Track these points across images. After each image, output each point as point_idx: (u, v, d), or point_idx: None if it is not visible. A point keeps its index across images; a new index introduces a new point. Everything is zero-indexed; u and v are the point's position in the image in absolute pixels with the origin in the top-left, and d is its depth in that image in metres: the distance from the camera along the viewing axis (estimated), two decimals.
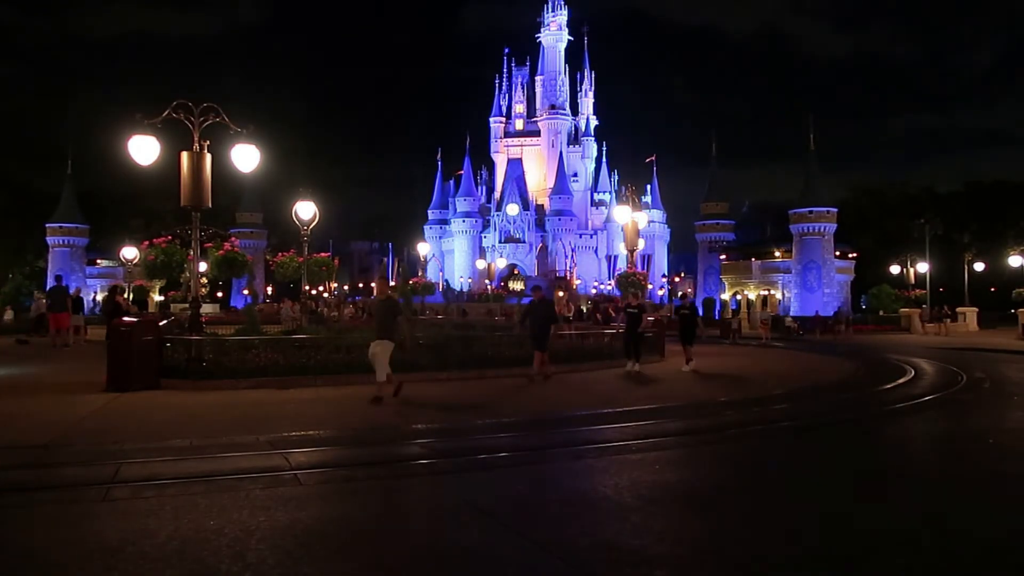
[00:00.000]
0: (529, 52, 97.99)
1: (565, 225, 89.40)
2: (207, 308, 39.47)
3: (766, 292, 60.91)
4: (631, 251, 28.32)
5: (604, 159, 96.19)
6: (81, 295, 30.76)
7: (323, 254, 28.84)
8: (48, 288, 28.38)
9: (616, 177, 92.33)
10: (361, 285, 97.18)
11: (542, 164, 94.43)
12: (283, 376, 13.47)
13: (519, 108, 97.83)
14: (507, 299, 70.09)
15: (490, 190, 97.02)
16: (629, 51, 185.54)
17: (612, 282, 70.14)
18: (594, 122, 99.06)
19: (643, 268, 64.03)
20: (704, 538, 5.35)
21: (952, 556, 5.02)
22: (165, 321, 15.93)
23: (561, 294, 54.12)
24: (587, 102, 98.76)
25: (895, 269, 55.57)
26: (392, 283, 52.28)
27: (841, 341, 37.05)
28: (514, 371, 15.91)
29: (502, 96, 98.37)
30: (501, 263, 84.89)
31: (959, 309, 50.06)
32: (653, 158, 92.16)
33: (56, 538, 5.15)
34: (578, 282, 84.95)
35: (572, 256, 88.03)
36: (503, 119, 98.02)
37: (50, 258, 60.87)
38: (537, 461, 7.92)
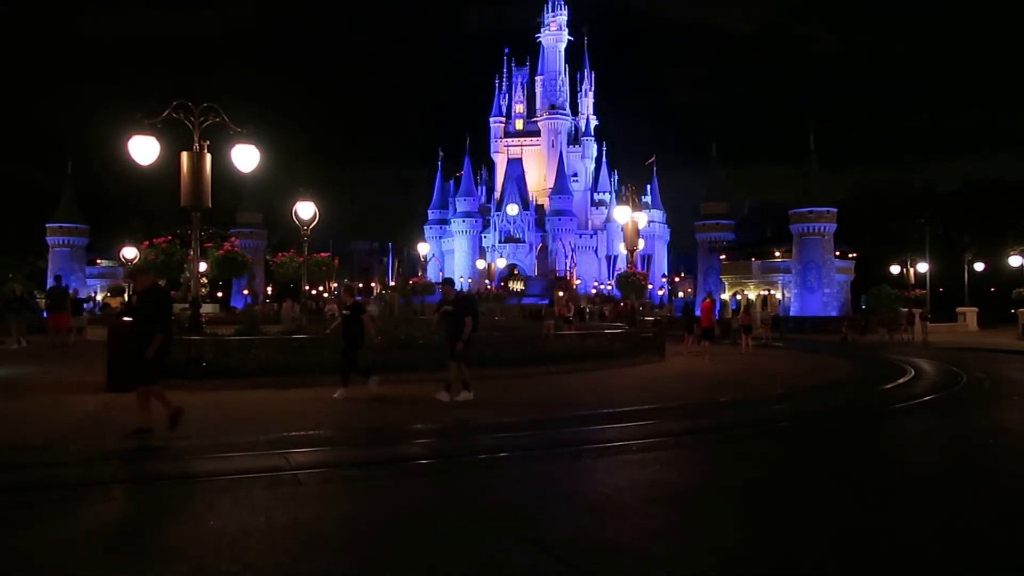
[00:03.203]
0: (529, 52, 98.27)
1: (565, 225, 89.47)
2: (207, 308, 39.47)
3: (766, 292, 60.89)
4: (631, 251, 28.33)
5: (604, 159, 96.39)
6: (80, 295, 30.76)
7: (323, 254, 28.86)
8: (48, 288, 28.43)
9: (616, 177, 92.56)
10: (361, 285, 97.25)
11: (542, 164, 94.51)
12: (283, 376, 13.47)
13: (519, 108, 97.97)
14: (507, 299, 70.15)
15: (490, 190, 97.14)
16: (629, 51, 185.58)
17: (612, 282, 70.23)
18: (594, 122, 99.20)
19: (643, 268, 64.17)
20: (704, 538, 5.35)
21: (953, 555, 5.02)
22: None
23: (561, 294, 54.15)
24: (587, 102, 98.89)
25: (895, 269, 55.51)
26: (393, 283, 51.65)
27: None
28: (514, 372, 15.93)
29: (502, 96, 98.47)
30: (501, 263, 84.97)
31: (959, 309, 50.01)
32: (654, 159, 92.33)
33: (56, 538, 5.15)
34: (578, 282, 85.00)
35: (572, 256, 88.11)
36: (503, 119, 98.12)
37: (50, 258, 60.84)
38: (537, 461, 7.92)
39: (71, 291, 27.26)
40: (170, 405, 8.55)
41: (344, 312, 12.71)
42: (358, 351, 12.32)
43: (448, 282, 13.69)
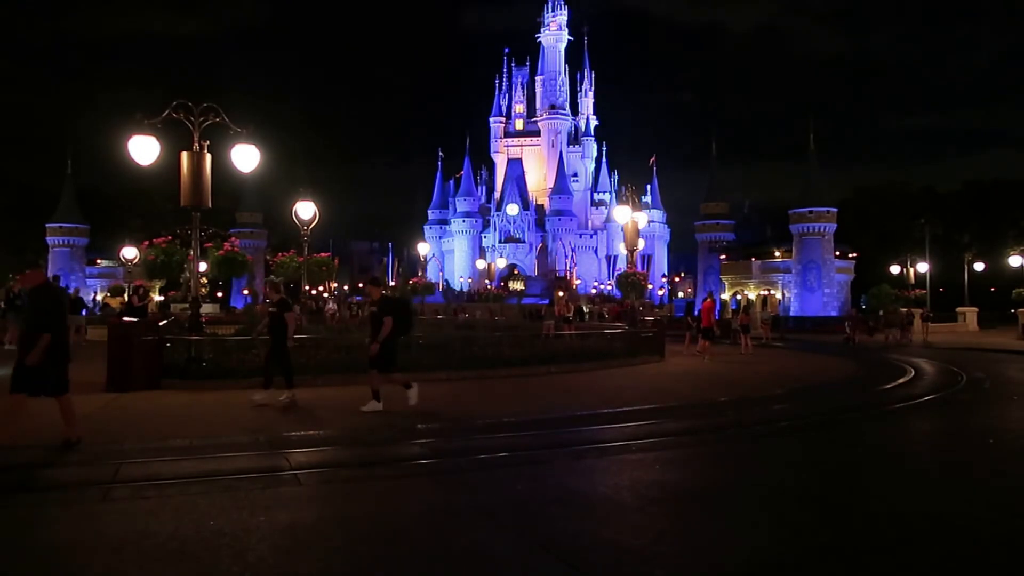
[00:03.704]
0: (529, 52, 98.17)
1: (565, 225, 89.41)
2: (207, 308, 39.46)
3: (766, 292, 60.88)
4: (631, 251, 28.32)
5: (604, 159, 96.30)
6: (80, 295, 30.76)
7: (323, 254, 28.82)
8: None
9: (616, 177, 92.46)
10: (361, 285, 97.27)
11: (542, 164, 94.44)
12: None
13: (519, 108, 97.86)
14: (507, 299, 70.14)
15: (490, 190, 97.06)
16: (629, 51, 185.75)
17: (612, 282, 70.22)
18: (594, 122, 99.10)
19: (643, 268, 64.11)
20: (704, 538, 5.35)
21: (953, 554, 5.02)
22: (165, 321, 15.92)
23: (561, 294, 54.13)
24: (587, 102, 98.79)
25: (895, 269, 55.54)
26: (392, 283, 51.67)
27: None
28: (514, 371, 15.94)
29: (502, 96, 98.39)
30: (501, 263, 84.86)
31: (959, 309, 49.98)
32: (654, 159, 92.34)
33: (56, 538, 5.15)
34: (578, 282, 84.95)
35: (572, 256, 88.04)
36: (503, 119, 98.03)
37: (50, 258, 60.83)
38: (537, 461, 7.92)
39: (71, 291, 27.24)
40: (11, 424, 7.55)
41: (271, 310, 11.52)
42: (286, 352, 11.30)
43: (373, 281, 12.36)
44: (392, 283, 66.37)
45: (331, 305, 31.63)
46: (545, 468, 7.53)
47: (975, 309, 49.68)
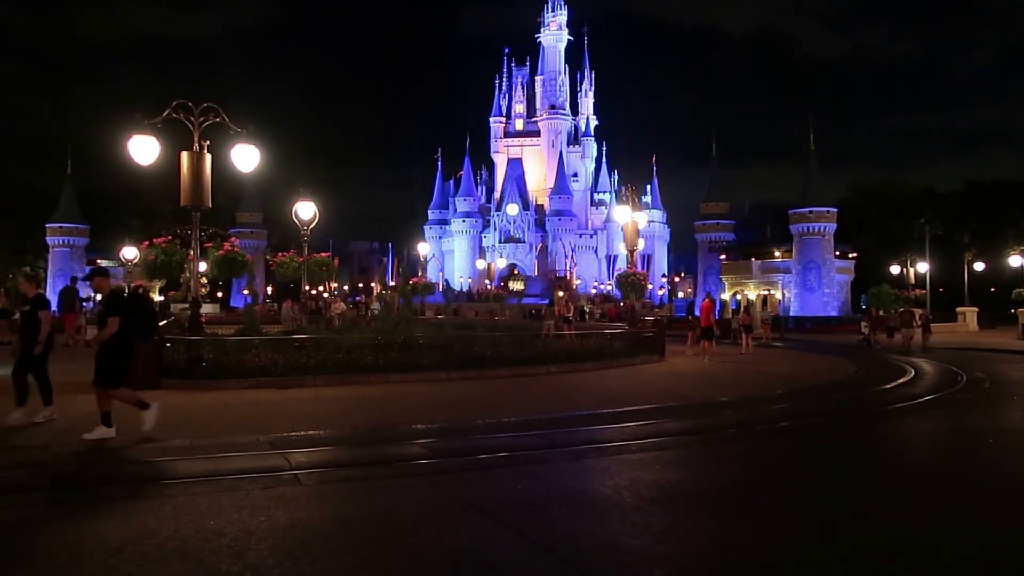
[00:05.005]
0: (529, 52, 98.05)
1: (565, 225, 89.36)
2: (207, 308, 39.49)
3: (766, 292, 60.85)
4: (631, 251, 28.31)
5: (604, 159, 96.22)
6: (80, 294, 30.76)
7: (323, 254, 28.81)
8: (61, 289, 28.46)
9: (616, 177, 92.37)
10: (361, 285, 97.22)
11: (542, 164, 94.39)
12: (283, 376, 13.47)
13: (519, 108, 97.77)
14: (507, 299, 70.14)
15: (490, 190, 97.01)
16: (629, 51, 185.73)
17: (612, 282, 70.20)
18: (594, 122, 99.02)
19: (643, 268, 64.06)
20: (704, 538, 5.35)
21: (953, 557, 5.02)
22: (165, 321, 15.92)
23: (561, 294, 54.13)
24: (587, 102, 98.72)
25: (895, 269, 55.52)
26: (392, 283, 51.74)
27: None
28: (515, 371, 15.94)
29: (502, 96, 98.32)
30: (501, 263, 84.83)
31: (959, 309, 49.95)
32: (654, 159, 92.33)
33: (56, 538, 5.15)
34: (578, 282, 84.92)
35: (572, 256, 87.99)
36: (503, 119, 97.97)
37: (50, 258, 60.88)
38: (537, 461, 7.92)
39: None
40: None
41: (24, 308, 9.57)
42: (40, 359, 9.45)
43: (99, 272, 9.62)
44: (392, 283, 66.38)
45: (337, 304, 31.68)
46: (545, 468, 7.53)
47: (975, 309, 49.64)
